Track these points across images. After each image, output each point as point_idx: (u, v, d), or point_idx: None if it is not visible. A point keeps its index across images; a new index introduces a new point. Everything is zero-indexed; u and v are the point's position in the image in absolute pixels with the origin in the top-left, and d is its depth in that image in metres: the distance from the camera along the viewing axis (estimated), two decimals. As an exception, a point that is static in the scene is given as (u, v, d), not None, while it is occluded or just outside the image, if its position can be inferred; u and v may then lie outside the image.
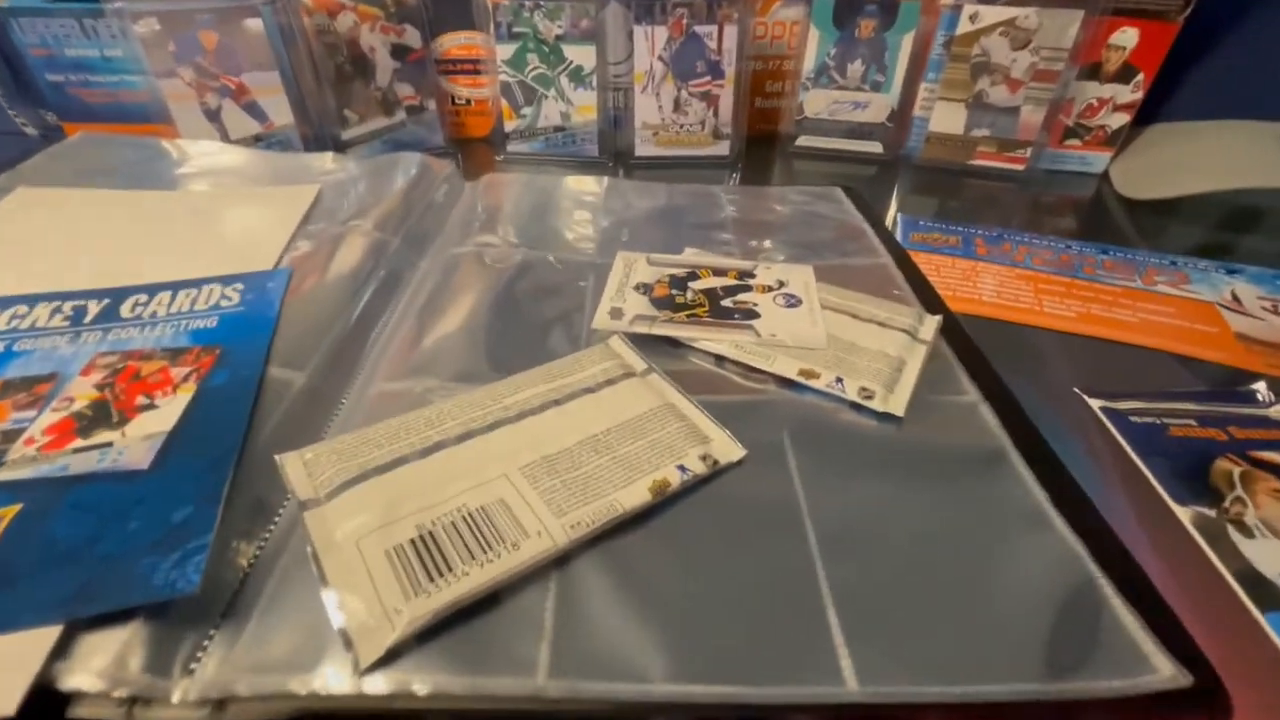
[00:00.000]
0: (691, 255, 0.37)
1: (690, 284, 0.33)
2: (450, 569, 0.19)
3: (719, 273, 0.34)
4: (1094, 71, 0.48)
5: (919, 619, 0.19)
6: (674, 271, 0.34)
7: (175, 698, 0.17)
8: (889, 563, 0.21)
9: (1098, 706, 0.17)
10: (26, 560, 0.19)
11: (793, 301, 0.32)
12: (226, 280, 0.31)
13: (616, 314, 0.31)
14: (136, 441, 0.23)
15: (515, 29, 0.49)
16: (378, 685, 0.17)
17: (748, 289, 0.33)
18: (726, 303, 0.32)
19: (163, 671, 0.17)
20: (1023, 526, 0.22)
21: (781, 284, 0.33)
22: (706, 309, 0.31)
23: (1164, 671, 0.18)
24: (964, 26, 0.47)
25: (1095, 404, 0.28)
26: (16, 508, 0.20)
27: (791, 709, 0.17)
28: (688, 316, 0.30)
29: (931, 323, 0.31)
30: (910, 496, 0.23)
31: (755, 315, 0.31)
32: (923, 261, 0.39)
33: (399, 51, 0.51)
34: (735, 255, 0.38)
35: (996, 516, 0.22)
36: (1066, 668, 0.18)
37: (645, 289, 0.32)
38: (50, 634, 0.17)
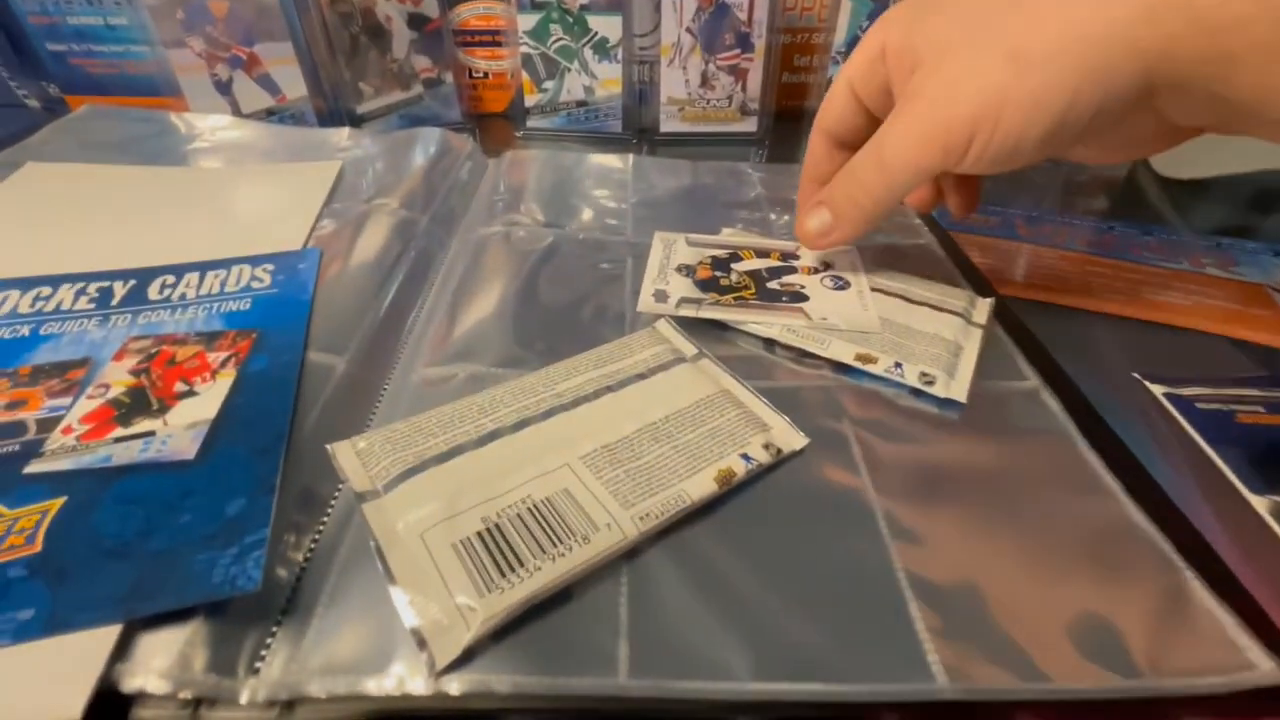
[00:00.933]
0: (730, 235, 0.35)
1: (733, 265, 0.32)
2: (521, 564, 0.18)
3: (761, 254, 0.32)
4: (1136, 46, 0.46)
5: (1004, 612, 0.19)
6: (715, 253, 0.32)
7: (243, 699, 0.16)
8: (967, 555, 0.20)
9: (1196, 704, 0.17)
10: (76, 557, 0.18)
11: (841, 284, 0.30)
12: (256, 260, 0.30)
13: (661, 297, 0.29)
14: (180, 430, 0.22)
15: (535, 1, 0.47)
16: (455, 685, 0.16)
17: (792, 270, 0.31)
18: (773, 285, 0.30)
19: (228, 671, 0.17)
20: (1099, 517, 0.22)
21: (827, 265, 0.31)
22: (753, 291, 0.30)
23: (1263, 667, 0.17)
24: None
25: (1157, 389, 0.27)
26: (60, 501, 0.19)
27: (884, 706, 0.17)
28: (734, 299, 0.29)
29: (984, 306, 0.30)
30: (981, 486, 0.23)
31: (804, 298, 0.29)
32: (963, 242, 0.38)
33: (416, 21, 0.49)
34: (772, 236, 0.37)
35: (1071, 507, 0.22)
36: (1160, 664, 0.17)
37: (688, 271, 0.31)
38: (110, 634, 0.16)
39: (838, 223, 0.28)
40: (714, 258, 0.32)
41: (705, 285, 0.30)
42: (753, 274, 0.31)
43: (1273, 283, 0.35)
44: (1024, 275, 0.35)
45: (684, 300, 0.29)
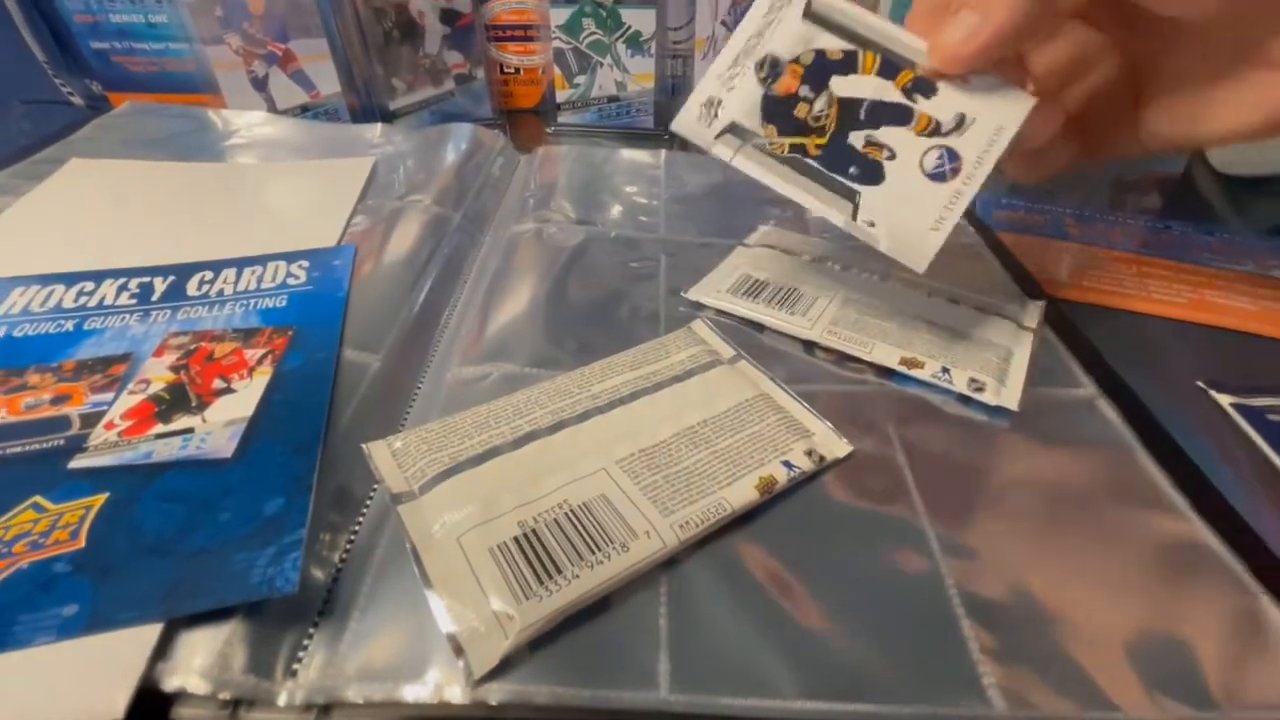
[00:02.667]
0: (869, 17, 0.23)
1: (834, 80, 0.23)
2: (559, 570, 0.18)
3: (889, 68, 0.23)
4: (1195, 36, 0.44)
5: (1063, 634, 0.18)
6: (827, 44, 0.23)
7: (281, 701, 0.16)
8: (1022, 572, 0.19)
9: (1278, 739, 0.16)
10: (118, 553, 0.18)
11: (941, 170, 0.22)
12: (291, 257, 0.30)
13: (709, 108, 0.24)
14: (218, 428, 0.22)
15: (570, -11, 0.46)
16: (494, 695, 0.16)
17: (905, 118, 0.23)
18: (856, 138, 0.23)
19: (266, 673, 0.16)
20: (1164, 535, 0.20)
21: (959, 125, 0.22)
22: (824, 141, 0.23)
23: (1351, 702, 0.16)
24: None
25: (1224, 399, 0.26)
26: (104, 497, 0.19)
27: (938, 732, 0.16)
28: (790, 148, 0.23)
29: (1035, 308, 0.29)
30: (1036, 499, 0.21)
31: (877, 176, 0.23)
32: (1010, 242, 0.36)
33: (448, 16, 0.49)
34: (802, 227, 0.36)
35: (1133, 524, 0.21)
36: (1237, 694, 0.16)
37: (771, 70, 0.23)
38: (151, 632, 0.16)
39: (988, 15, 0.20)
40: (818, 55, 0.23)
41: (773, 107, 0.23)
42: (847, 105, 0.23)
43: (1346, 286, 0.33)
44: (1076, 277, 0.34)
45: (729, 129, 0.24)
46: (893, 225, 0.23)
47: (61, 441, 0.21)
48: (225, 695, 0.16)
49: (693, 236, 0.36)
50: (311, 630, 0.18)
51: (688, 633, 0.17)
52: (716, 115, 0.24)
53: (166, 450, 0.21)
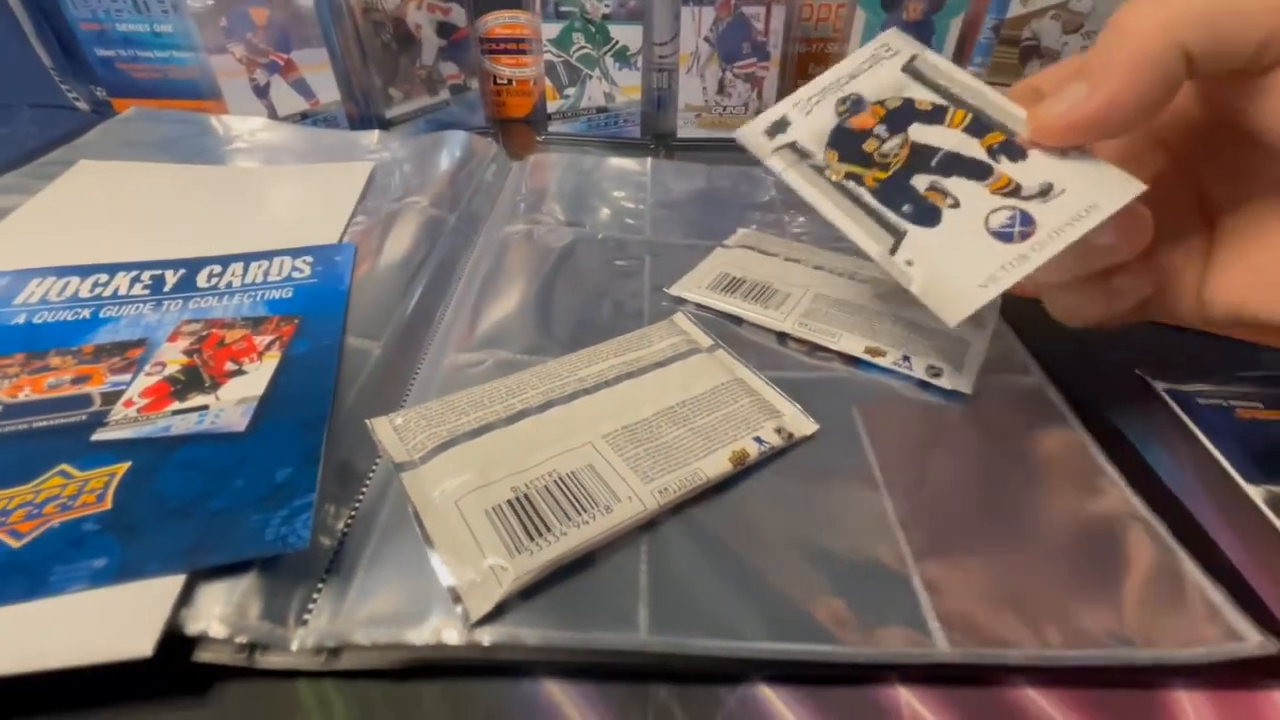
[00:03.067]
0: (970, 80, 0.23)
1: (913, 126, 0.22)
2: (549, 529, 0.19)
3: (975, 128, 0.22)
4: (1145, 56, 0.47)
5: (1003, 585, 0.20)
6: (916, 96, 0.23)
7: (294, 645, 0.18)
8: (969, 533, 0.21)
9: (1187, 672, 0.18)
10: (142, 514, 0.19)
11: (1009, 230, 0.20)
12: (296, 253, 0.32)
13: (778, 129, 0.24)
14: (231, 405, 0.23)
15: (562, 8, 0.49)
16: (487, 637, 0.18)
17: (983, 174, 0.21)
18: (920, 181, 0.22)
19: (280, 620, 0.18)
20: (1098, 502, 0.23)
21: (1048, 192, 0.20)
22: (885, 176, 0.22)
23: (1251, 640, 0.18)
24: (1014, 9, 0.47)
25: (1160, 386, 0.28)
26: (126, 465, 0.21)
27: (886, 667, 0.18)
28: (846, 176, 0.22)
29: (993, 304, 0.31)
30: (984, 472, 0.24)
31: (932, 219, 0.21)
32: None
33: (445, 29, 0.51)
34: (779, 230, 0.38)
35: (1070, 492, 0.23)
36: (1154, 636, 0.18)
37: (853, 106, 0.23)
38: (175, 582, 0.18)
39: (1098, 86, 0.18)
40: (906, 103, 0.23)
41: (841, 138, 0.23)
42: (921, 151, 0.22)
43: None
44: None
45: (790, 146, 0.23)
46: (934, 271, 0.20)
47: (84, 417, 0.22)
48: (242, 639, 0.18)
49: (676, 238, 0.38)
50: (320, 585, 0.19)
51: (665, 585, 0.19)
52: (783, 133, 0.23)
53: (183, 425, 0.22)
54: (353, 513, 0.22)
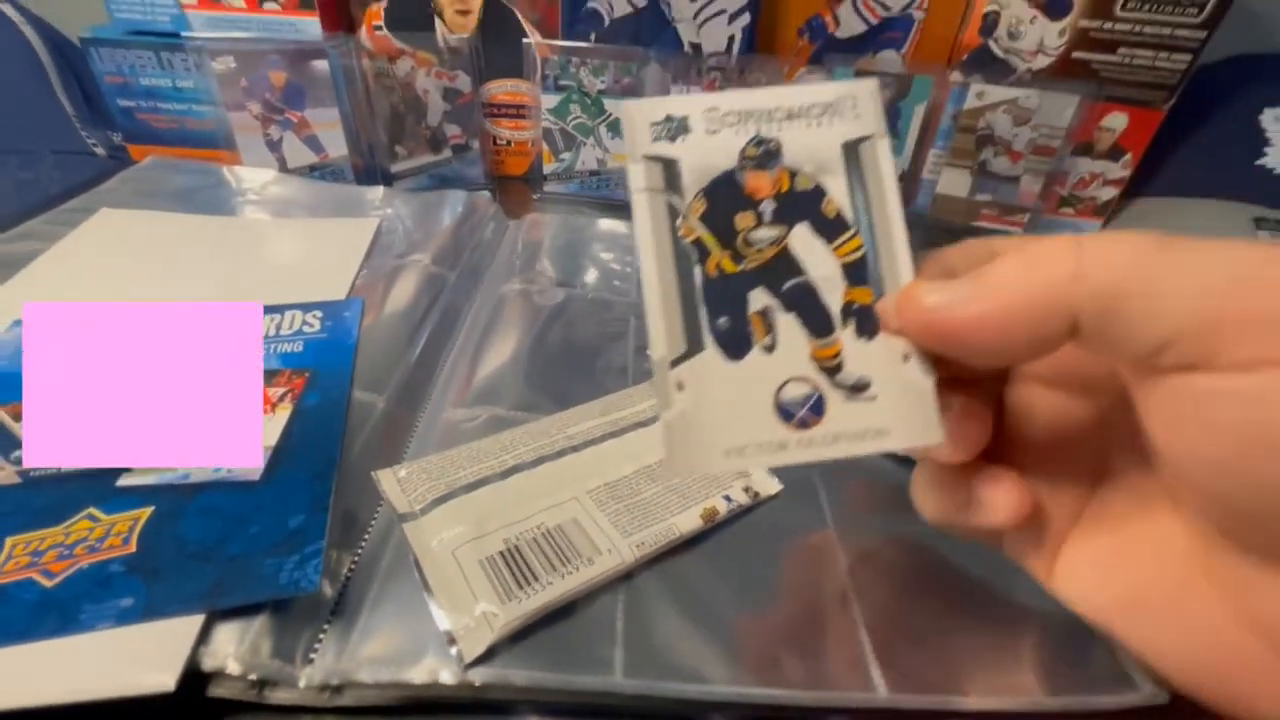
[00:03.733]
0: (894, 198, 0.18)
1: (802, 226, 0.17)
2: (536, 578, 0.22)
3: (855, 271, 0.17)
4: (1087, 149, 0.53)
5: (938, 639, 0.22)
6: (832, 190, 0.17)
7: (301, 682, 0.20)
8: (910, 590, 0.24)
9: (1090, 718, 0.20)
10: (165, 556, 0.21)
11: (793, 412, 0.17)
12: (306, 308, 0.34)
13: (672, 130, 0.17)
14: (246, 454, 0.25)
15: (561, 81, 0.53)
16: (479, 677, 0.20)
17: (819, 329, 0.17)
18: (756, 299, 0.17)
19: (288, 659, 0.20)
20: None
21: (859, 391, 0.17)
22: (731, 269, 0.17)
23: (1145, 689, 0.21)
24: (971, 102, 0.52)
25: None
26: (149, 510, 0.23)
27: (832, 710, 0.20)
28: (695, 242, 0.17)
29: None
30: (930, 533, 0.26)
31: (738, 350, 0.17)
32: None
33: (450, 95, 0.55)
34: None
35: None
36: (1064, 685, 0.21)
37: (764, 157, 0.17)
38: (195, 622, 0.20)
39: (985, 293, 0.15)
40: (815, 190, 0.17)
41: (721, 192, 0.17)
42: (782, 265, 0.17)
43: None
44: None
45: (666, 164, 0.17)
46: (697, 407, 0.16)
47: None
48: (254, 676, 0.19)
49: (659, 301, 0.41)
50: (325, 626, 0.21)
51: (639, 632, 0.21)
52: (671, 141, 0.17)
53: (201, 472, 0.24)
54: (355, 559, 0.24)
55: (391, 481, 0.25)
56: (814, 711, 0.20)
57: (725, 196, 0.17)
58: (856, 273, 0.17)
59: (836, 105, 0.17)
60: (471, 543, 0.23)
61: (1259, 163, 0.50)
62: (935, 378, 0.16)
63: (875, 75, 0.19)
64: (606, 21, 0.52)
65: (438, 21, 0.53)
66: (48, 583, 0.20)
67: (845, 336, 0.17)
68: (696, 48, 0.52)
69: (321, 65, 0.50)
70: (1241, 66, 0.55)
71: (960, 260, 0.17)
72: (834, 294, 0.17)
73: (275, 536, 0.22)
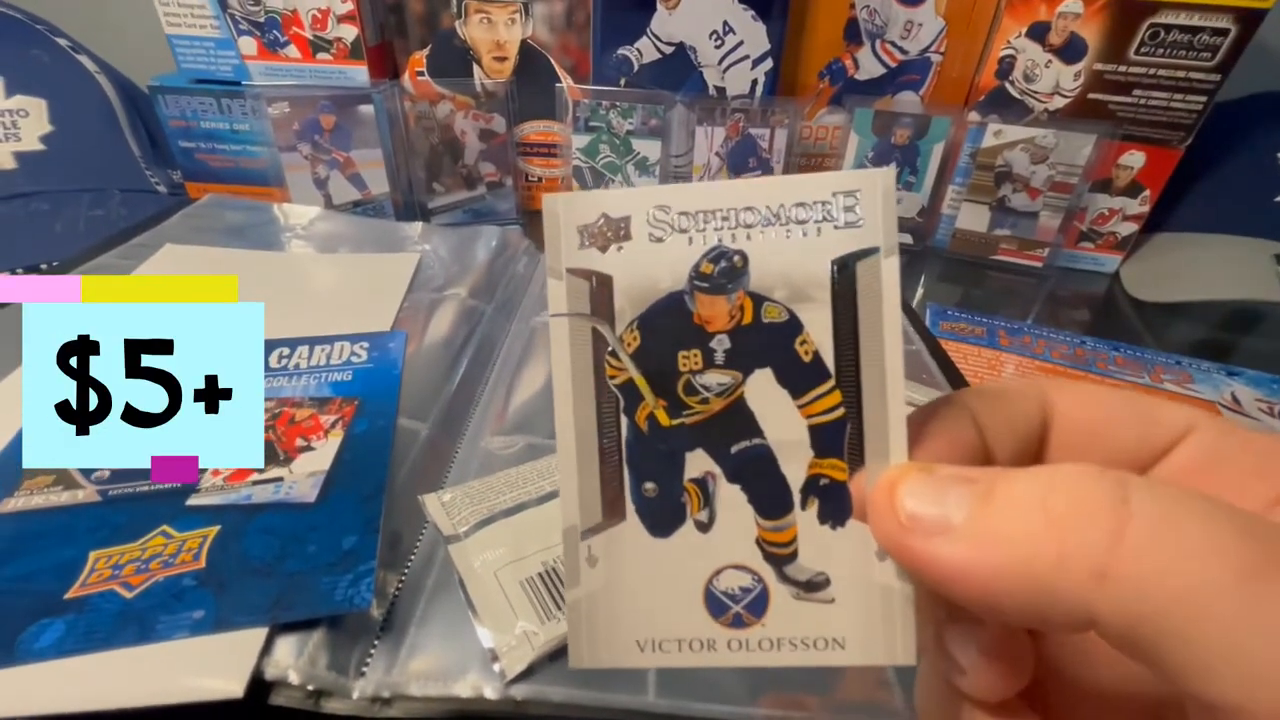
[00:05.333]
0: (897, 344, 0.13)
1: (763, 373, 0.14)
2: (573, 601, 0.23)
3: (830, 435, 0.13)
4: (1105, 185, 0.54)
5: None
6: (808, 323, 0.13)
7: (354, 694, 0.21)
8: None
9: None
10: (231, 572, 0.23)
11: (728, 608, 0.14)
12: (354, 339, 0.36)
13: (610, 235, 0.14)
14: (302, 478, 0.27)
15: (591, 123, 0.55)
16: (520, 693, 0.21)
17: (772, 510, 0.14)
18: (695, 464, 0.14)
19: (343, 671, 0.21)
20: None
21: (812, 588, 0.13)
22: (665, 423, 0.14)
23: None
24: (989, 141, 0.53)
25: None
26: (216, 529, 0.24)
27: None
28: (624, 385, 0.14)
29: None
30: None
31: (667, 525, 0.14)
32: (950, 349, 0.43)
33: (486, 135, 0.58)
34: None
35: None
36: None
37: (721, 274, 0.13)
38: (259, 635, 0.21)
39: (967, 530, 0.11)
40: (788, 325, 0.13)
41: (661, 323, 0.14)
42: (733, 421, 0.14)
43: (1222, 400, 0.40)
44: (998, 380, 0.41)
45: (595, 281, 0.14)
46: (611, 589, 0.14)
47: (180, 485, 0.26)
48: (312, 686, 0.21)
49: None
50: (375, 642, 0.23)
51: (670, 654, 0.23)
52: (602, 248, 0.13)
53: (262, 494, 0.26)
54: (402, 578, 0.25)
55: (437, 505, 0.27)
56: (837, 735, 0.21)
57: (667, 328, 0.14)
58: (829, 439, 0.13)
59: (832, 206, 0.13)
60: (512, 564, 0.24)
61: (1278, 200, 0.51)
62: (916, 585, 0.13)
63: (891, 168, 0.13)
64: (636, 67, 0.54)
65: (476, 68, 0.56)
66: (127, 594, 0.22)
67: (804, 520, 0.13)
68: (721, 91, 0.55)
69: (367, 109, 0.54)
70: (1260, 105, 0.56)
71: (990, 411, 0.13)
72: (796, 464, 0.13)
73: (331, 556, 0.24)
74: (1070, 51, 0.50)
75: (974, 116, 0.54)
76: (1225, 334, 0.49)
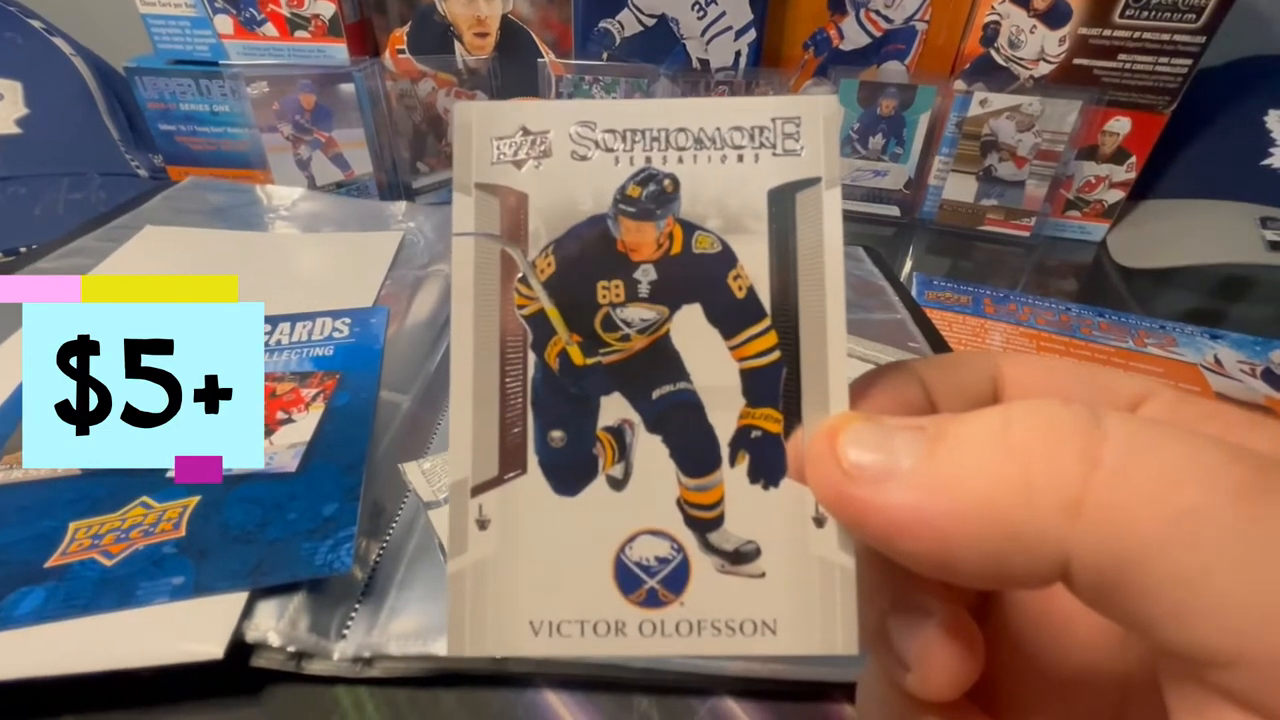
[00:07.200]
0: (840, 280, 0.12)
1: (690, 309, 0.12)
2: (552, 562, 0.23)
3: (764, 381, 0.12)
4: (1091, 152, 0.53)
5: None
6: (744, 256, 0.12)
7: (335, 655, 0.21)
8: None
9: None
10: (211, 540, 0.23)
11: (641, 581, 0.12)
12: (336, 315, 0.36)
13: (526, 147, 0.12)
14: (283, 449, 0.27)
15: (574, 98, 0.55)
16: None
17: (701, 467, 0.12)
18: (611, 408, 0.12)
19: (324, 633, 0.22)
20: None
21: (743, 560, 0.12)
22: (585, 362, 0.12)
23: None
24: (974, 110, 0.53)
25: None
26: (197, 498, 0.25)
27: (832, 685, 0.21)
28: (534, 316, 0.12)
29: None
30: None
31: (574, 481, 0.12)
32: (936, 318, 0.43)
33: (469, 114, 0.58)
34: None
35: None
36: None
37: (649, 198, 0.12)
38: (239, 599, 0.21)
39: (917, 474, 0.09)
40: (721, 257, 0.12)
41: (580, 250, 0.12)
42: (655, 360, 0.12)
43: (1205, 362, 0.40)
44: (981, 346, 0.41)
45: (506, 199, 0.12)
46: (503, 558, 0.12)
47: (160, 457, 0.26)
48: (293, 648, 0.21)
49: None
50: (357, 605, 0.23)
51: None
52: (518, 164, 0.12)
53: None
54: (383, 545, 0.25)
55: (417, 473, 0.27)
56: (815, 686, 0.21)
57: (587, 254, 0.12)
58: (764, 386, 0.12)
59: (771, 131, 0.12)
60: (491, 529, 0.24)
61: (1264, 163, 0.51)
62: (858, 558, 0.11)
63: (835, 94, 0.10)
64: (618, 40, 0.54)
65: (457, 44, 0.55)
66: (107, 562, 0.22)
67: (732, 478, 0.12)
68: (705, 63, 0.54)
69: (348, 88, 0.53)
70: (1245, 69, 0.55)
71: (940, 377, 0.12)
72: (726, 413, 0.12)
73: (311, 523, 0.24)
74: (1054, 16, 0.49)
75: (960, 85, 0.53)
76: (1211, 299, 0.49)
